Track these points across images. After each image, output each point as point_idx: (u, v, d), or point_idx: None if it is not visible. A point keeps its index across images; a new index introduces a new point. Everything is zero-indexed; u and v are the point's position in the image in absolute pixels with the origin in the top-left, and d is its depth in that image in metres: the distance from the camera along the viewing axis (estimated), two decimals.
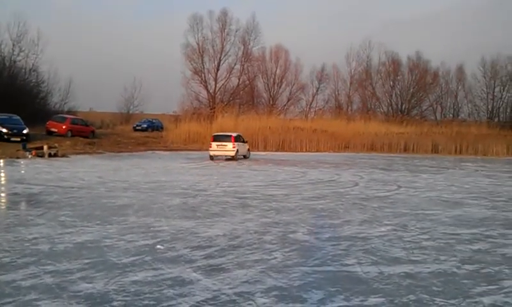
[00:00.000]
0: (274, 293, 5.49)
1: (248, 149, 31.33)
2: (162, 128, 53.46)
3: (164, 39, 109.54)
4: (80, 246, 7.38)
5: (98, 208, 10.78)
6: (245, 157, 30.45)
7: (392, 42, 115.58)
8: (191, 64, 57.72)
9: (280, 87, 63.63)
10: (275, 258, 6.99)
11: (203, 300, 5.19)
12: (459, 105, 67.51)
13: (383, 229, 9.33)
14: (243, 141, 30.63)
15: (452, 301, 5.38)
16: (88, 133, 37.91)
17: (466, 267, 6.80)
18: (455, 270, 6.64)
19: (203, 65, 58.14)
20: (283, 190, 14.91)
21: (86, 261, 6.54)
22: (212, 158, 28.43)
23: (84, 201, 11.75)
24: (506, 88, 66.12)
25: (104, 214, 10.05)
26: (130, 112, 62.29)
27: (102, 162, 24.28)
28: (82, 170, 19.49)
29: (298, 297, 5.40)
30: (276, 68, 63.55)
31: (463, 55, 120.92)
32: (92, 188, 14.02)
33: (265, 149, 40.72)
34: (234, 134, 29.57)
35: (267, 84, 63.66)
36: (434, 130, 50.60)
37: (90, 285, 5.58)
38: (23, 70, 46.46)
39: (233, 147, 28.16)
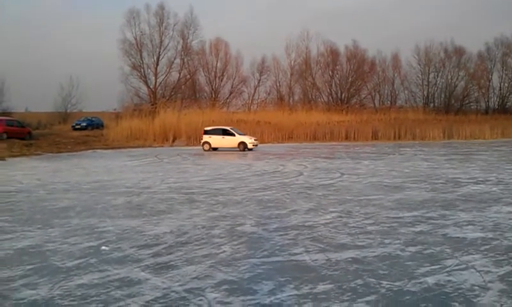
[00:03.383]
0: (224, 287, 5.49)
1: (242, 143, 32.40)
2: (102, 126, 52.06)
3: (100, 35, 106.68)
4: (21, 252, 7.11)
5: (39, 212, 10.41)
6: (243, 149, 32.15)
7: (329, 32, 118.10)
8: (129, 59, 56.53)
9: (221, 80, 63.50)
10: (224, 251, 6.99)
11: (152, 300, 5.11)
12: (396, 92, 69.71)
13: (328, 216, 9.50)
14: (227, 134, 32.80)
15: (398, 283, 5.55)
16: (24, 135, 36.40)
17: (410, 248, 7.03)
18: (399, 252, 6.85)
19: (141, 60, 57.13)
20: (229, 184, 14.90)
21: (29, 267, 6.31)
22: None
23: (24, 205, 11.29)
24: (440, 74, 68.86)
25: (45, 217, 9.72)
26: (68, 111, 60.03)
27: (40, 163, 23.45)
28: (20, 173, 18.75)
29: (249, 289, 5.42)
30: (217, 61, 63.39)
31: (398, 43, 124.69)
32: (31, 192, 13.50)
33: None
34: (208, 128, 33.95)
35: (209, 78, 63.39)
36: (373, 118, 51.95)
37: (34, 291, 5.39)
38: None
39: (202, 139, 33.35)
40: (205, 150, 32.28)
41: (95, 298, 5.18)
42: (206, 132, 33.25)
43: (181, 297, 5.20)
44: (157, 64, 57.66)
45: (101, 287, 5.51)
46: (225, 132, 32.98)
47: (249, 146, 32.41)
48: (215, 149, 32.61)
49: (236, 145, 32.33)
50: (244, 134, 34.17)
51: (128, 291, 5.35)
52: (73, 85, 59.06)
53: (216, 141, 32.63)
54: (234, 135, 32.83)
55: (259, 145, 34.61)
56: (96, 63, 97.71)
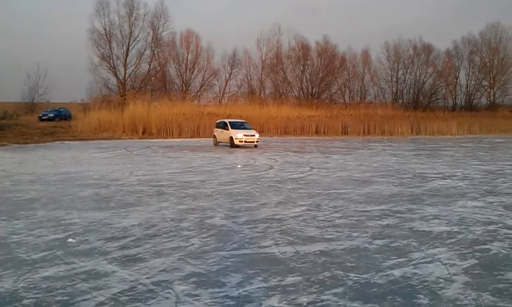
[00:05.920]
0: (192, 279, 5.46)
1: (231, 138, 29.06)
2: (70, 117, 51.07)
3: (69, 24, 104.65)
4: None
5: (4, 203, 10.17)
6: (231, 144, 29.03)
7: (300, 26, 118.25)
8: (98, 50, 55.58)
9: (192, 72, 63.05)
10: (193, 244, 6.95)
11: (119, 292, 5.05)
12: (366, 88, 70.51)
13: (297, 209, 9.55)
14: (225, 128, 30.05)
15: (365, 275, 5.61)
16: None
17: (377, 242, 7.12)
18: (367, 245, 6.94)
19: (111, 51, 56.23)
20: (199, 176, 14.83)
21: None
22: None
23: None
24: (408, 71, 69.93)
25: (10, 209, 9.51)
26: (35, 101, 58.84)
27: (6, 154, 22.91)
28: None
29: (217, 282, 5.40)
30: (188, 53, 62.89)
31: (368, 39, 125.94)
32: None
33: (179, 136, 40.26)
34: (219, 121, 32.62)
35: (179, 70, 62.83)
36: (343, 113, 52.40)
37: None
38: None
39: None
40: (214, 144, 30.73)
41: (60, 290, 5.09)
42: (217, 125, 31.69)
43: (148, 289, 5.15)
44: (127, 55, 56.92)
45: (67, 279, 5.42)
46: (224, 126, 30.49)
47: (236, 142, 28.61)
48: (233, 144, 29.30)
49: (228, 140, 29.61)
50: (246, 128, 30.72)
51: (94, 284, 5.28)
52: (40, 75, 57.95)
53: (219, 134, 30.80)
54: (228, 129, 29.87)
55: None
56: (64, 53, 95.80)
